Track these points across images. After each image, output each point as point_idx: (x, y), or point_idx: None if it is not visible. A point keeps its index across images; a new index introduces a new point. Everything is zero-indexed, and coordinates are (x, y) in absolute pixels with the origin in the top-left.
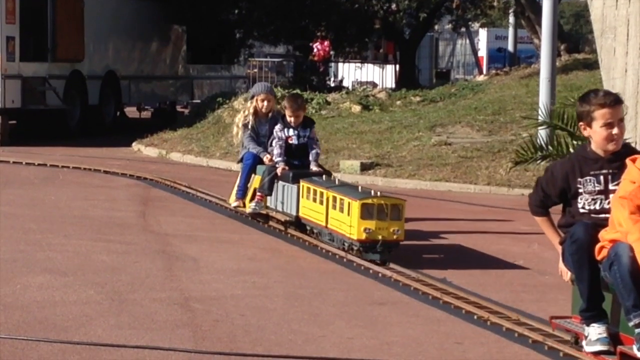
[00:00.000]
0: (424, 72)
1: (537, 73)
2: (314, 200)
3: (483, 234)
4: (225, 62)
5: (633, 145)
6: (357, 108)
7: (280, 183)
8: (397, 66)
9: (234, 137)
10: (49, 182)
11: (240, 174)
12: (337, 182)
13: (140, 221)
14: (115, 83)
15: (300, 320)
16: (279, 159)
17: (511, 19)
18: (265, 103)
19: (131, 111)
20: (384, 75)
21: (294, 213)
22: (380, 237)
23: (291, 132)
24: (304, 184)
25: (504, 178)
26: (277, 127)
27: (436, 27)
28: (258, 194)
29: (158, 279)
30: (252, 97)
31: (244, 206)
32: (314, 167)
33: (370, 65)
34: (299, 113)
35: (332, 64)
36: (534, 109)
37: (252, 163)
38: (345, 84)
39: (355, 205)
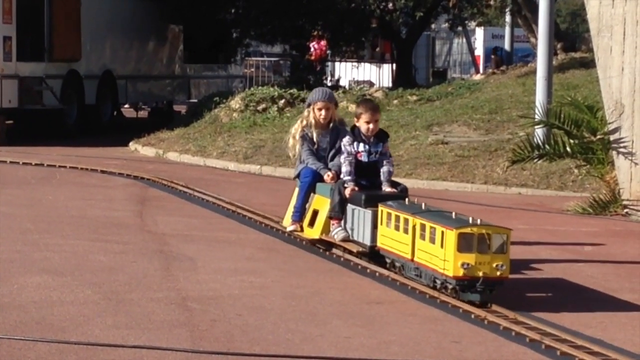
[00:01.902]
0: (421, 71)
1: (534, 72)
2: (397, 228)
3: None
4: (222, 62)
5: (629, 144)
6: (354, 107)
7: (350, 206)
8: (394, 65)
9: (289, 149)
10: (46, 182)
11: (296, 193)
12: (423, 206)
13: (137, 221)
14: (112, 83)
15: (297, 319)
16: (348, 177)
17: (508, 18)
18: (324, 112)
19: (128, 111)
20: (380, 74)
21: (368, 243)
22: (480, 274)
23: (361, 147)
24: (383, 208)
25: (501, 177)
26: (346, 140)
27: (433, 26)
28: (333, 220)
29: (155, 278)
30: (309, 106)
31: (302, 230)
32: (386, 188)
33: (367, 65)
34: (377, 117)
35: (329, 63)
36: (531, 107)
37: (311, 181)
38: (342, 83)
39: (451, 236)
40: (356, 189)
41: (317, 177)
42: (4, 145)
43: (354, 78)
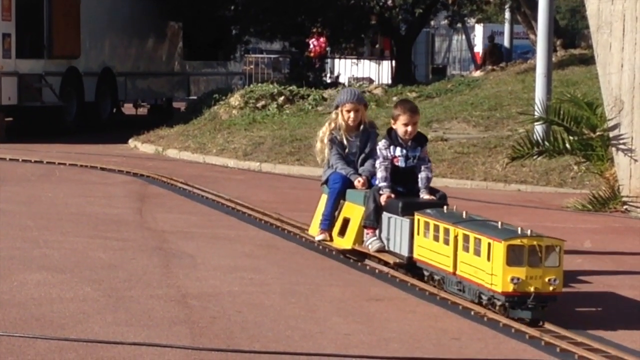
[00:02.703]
0: (420, 67)
1: (533, 68)
2: (436, 238)
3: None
4: (221, 59)
5: (628, 140)
6: None
7: (386, 215)
8: (394, 62)
9: (317, 154)
10: (46, 179)
11: (324, 200)
12: (464, 214)
13: (137, 218)
14: (112, 80)
15: (297, 316)
16: (384, 183)
17: (507, 14)
18: (352, 115)
19: (128, 108)
20: (380, 71)
21: (405, 254)
22: (532, 289)
23: (398, 151)
24: (419, 217)
25: (501, 174)
26: (381, 144)
27: (432, 22)
28: (367, 229)
29: (155, 275)
30: (337, 107)
31: (331, 239)
32: (424, 196)
33: (367, 61)
34: (416, 119)
35: (329, 60)
36: (530, 104)
37: (341, 187)
38: (341, 80)
39: (500, 248)
40: (392, 196)
41: (347, 183)
42: (3, 142)
43: (353, 75)
